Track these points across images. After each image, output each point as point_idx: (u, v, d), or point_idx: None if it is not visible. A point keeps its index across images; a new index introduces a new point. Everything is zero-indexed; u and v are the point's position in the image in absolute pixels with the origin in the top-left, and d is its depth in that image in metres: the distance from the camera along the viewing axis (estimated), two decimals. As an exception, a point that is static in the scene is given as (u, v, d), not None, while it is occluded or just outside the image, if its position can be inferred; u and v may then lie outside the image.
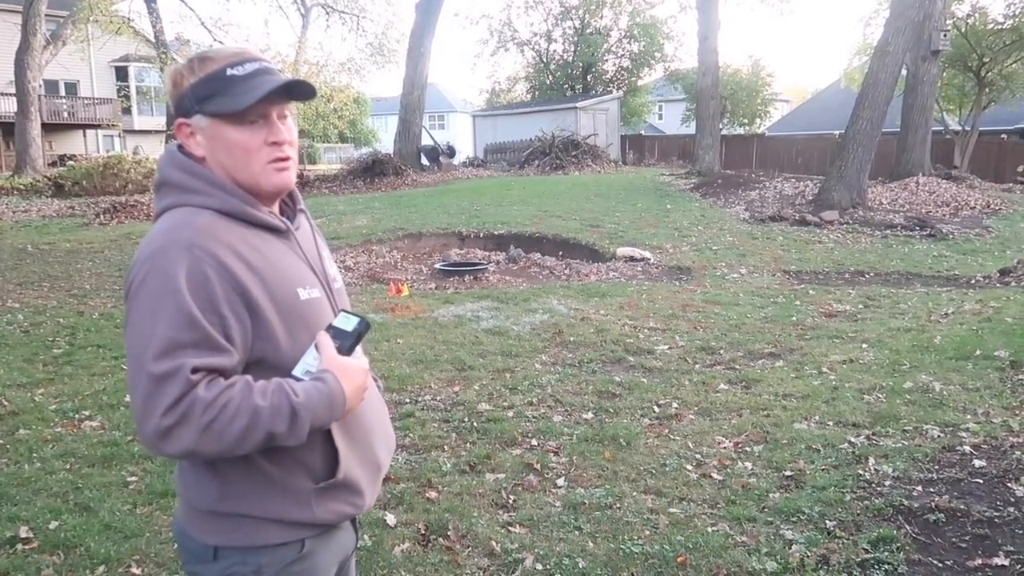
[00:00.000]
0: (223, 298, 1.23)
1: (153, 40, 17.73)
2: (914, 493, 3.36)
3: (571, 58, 33.73)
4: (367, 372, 1.36)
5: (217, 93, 1.29)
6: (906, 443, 3.91)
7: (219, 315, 1.22)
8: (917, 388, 4.75)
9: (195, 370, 1.19)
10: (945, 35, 17.10)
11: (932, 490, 3.37)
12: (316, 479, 1.35)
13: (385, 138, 39.56)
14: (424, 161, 23.96)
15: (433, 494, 3.48)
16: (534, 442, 4.09)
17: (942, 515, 3.12)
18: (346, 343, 1.33)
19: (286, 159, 1.35)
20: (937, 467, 3.62)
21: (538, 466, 3.76)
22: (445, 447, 4.03)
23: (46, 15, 22.67)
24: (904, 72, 16.00)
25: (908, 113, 17.40)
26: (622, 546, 3.02)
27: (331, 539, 1.42)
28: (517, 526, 3.21)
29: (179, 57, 20.92)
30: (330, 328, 1.34)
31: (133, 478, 3.67)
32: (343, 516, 1.41)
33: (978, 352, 5.35)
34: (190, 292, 1.20)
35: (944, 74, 20.44)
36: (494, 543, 3.05)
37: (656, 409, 4.57)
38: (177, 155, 1.37)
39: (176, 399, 1.17)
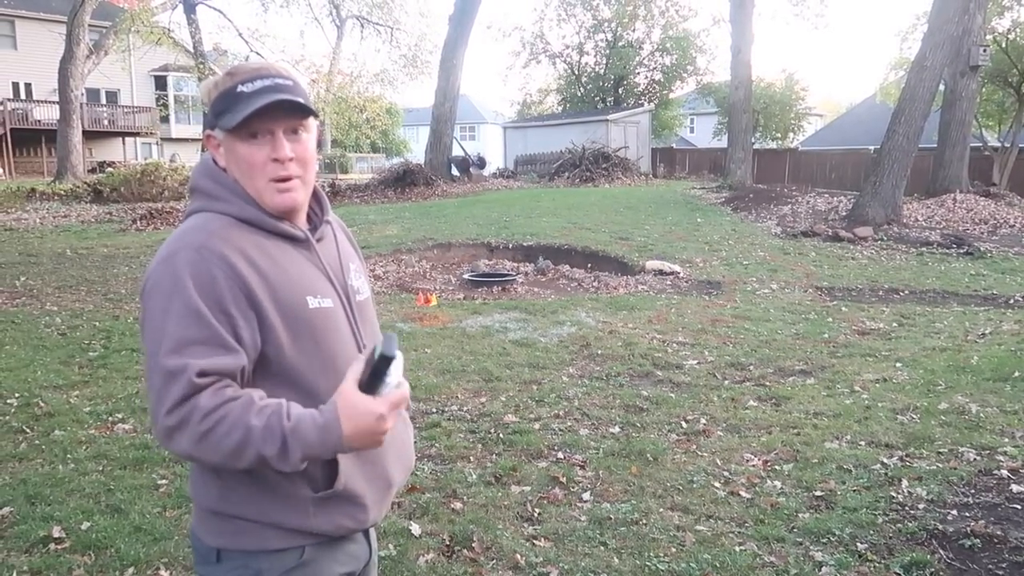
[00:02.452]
0: (230, 298, 1.25)
1: (192, 50, 18.08)
2: (949, 517, 3.28)
3: (603, 71, 33.74)
4: (378, 417, 1.20)
5: (227, 109, 1.33)
6: (941, 465, 3.83)
7: (227, 314, 1.25)
8: (953, 409, 4.65)
9: (202, 373, 1.20)
10: (985, 50, 16.83)
11: (968, 515, 3.30)
12: (316, 488, 1.34)
13: (416, 148, 39.82)
14: (454, 172, 24.09)
15: (458, 505, 3.48)
16: (560, 455, 4.08)
17: (978, 540, 3.05)
18: (368, 375, 1.21)
19: (287, 178, 1.34)
20: (973, 491, 3.54)
21: (564, 479, 3.74)
22: (471, 458, 4.03)
23: (89, 25, 23.28)
24: (942, 87, 15.76)
25: (946, 129, 17.12)
26: (648, 563, 2.99)
27: (337, 549, 1.41)
28: (542, 539, 3.19)
29: (216, 67, 21.33)
30: (373, 350, 1.22)
31: (163, 481, 3.72)
32: (344, 528, 1.39)
33: (1016, 374, 5.23)
34: (197, 291, 1.23)
35: (983, 89, 20.11)
36: (519, 556, 3.04)
37: (684, 424, 4.52)
38: (210, 164, 1.42)
39: (179, 400, 1.19)
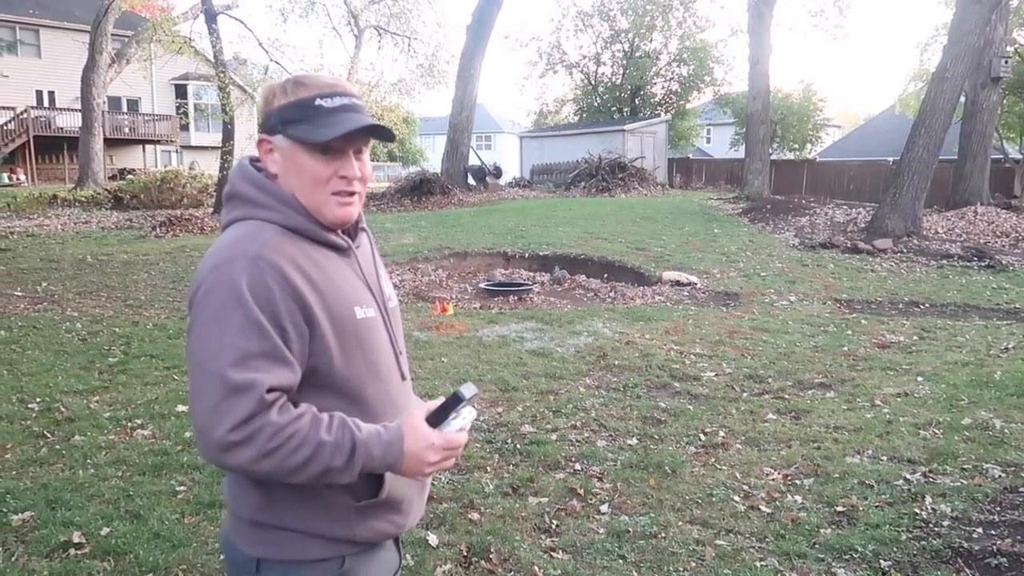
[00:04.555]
0: (285, 311, 1.24)
1: (212, 59, 18.25)
2: (974, 535, 3.23)
3: (620, 81, 33.77)
4: (431, 445, 1.29)
5: (303, 120, 1.31)
6: (965, 482, 3.77)
7: (282, 328, 1.24)
8: (976, 425, 4.58)
9: (271, 389, 1.20)
10: (1006, 62, 16.72)
11: (994, 532, 3.24)
12: (358, 497, 1.35)
13: (433, 157, 39.99)
14: (471, 181, 24.16)
15: (475, 515, 3.47)
16: (577, 466, 4.05)
17: (1004, 560, 2.99)
18: (435, 412, 1.32)
19: (352, 193, 1.36)
20: (999, 508, 3.48)
21: (581, 491, 3.72)
22: (488, 468, 4.02)
23: (112, 34, 23.59)
24: (963, 99, 15.64)
25: (966, 141, 17.00)
26: (667, 577, 2.96)
27: (373, 557, 1.41)
28: (560, 551, 3.17)
29: (236, 76, 21.52)
30: (457, 391, 1.33)
31: (182, 488, 3.73)
32: (383, 535, 1.40)
33: (1041, 389, 5.15)
34: (255, 303, 1.22)
35: (1004, 101, 19.94)
36: (536, 568, 3.02)
37: (702, 437, 4.49)
38: (249, 170, 1.40)
39: (247, 416, 1.18)
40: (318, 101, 1.32)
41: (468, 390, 1.31)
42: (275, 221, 1.33)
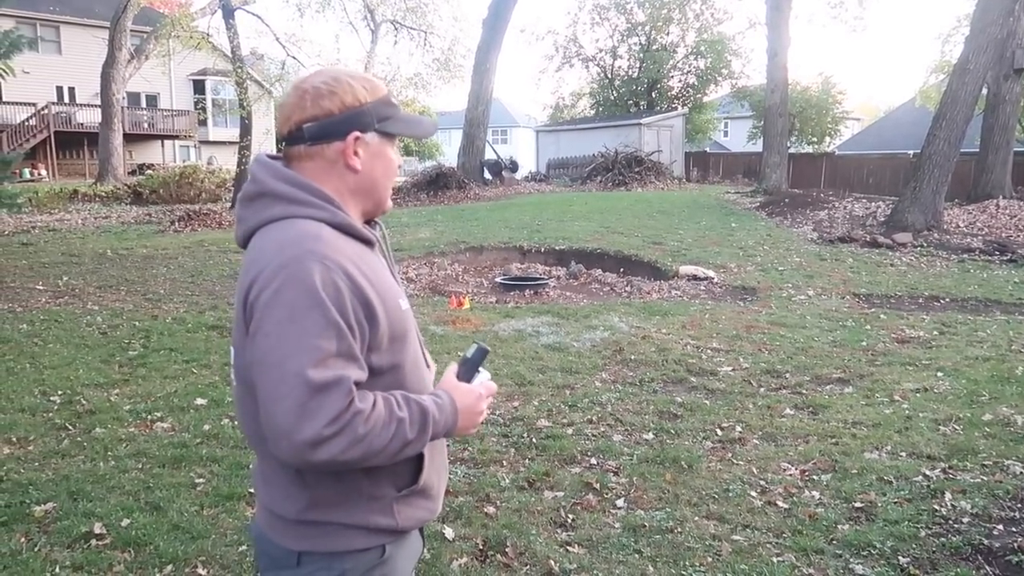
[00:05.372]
0: (351, 311, 1.26)
1: (230, 55, 18.35)
2: (995, 532, 3.20)
3: (636, 74, 33.63)
4: (479, 396, 1.44)
5: (392, 117, 1.42)
6: (985, 479, 3.74)
7: (351, 327, 1.26)
8: (997, 421, 4.53)
9: (357, 383, 1.25)
10: (1030, 53, 16.42)
11: (1015, 530, 3.21)
12: (399, 487, 1.39)
13: (449, 152, 40.02)
14: (487, 175, 24.14)
15: (491, 509, 3.48)
16: (593, 461, 4.05)
17: (1025, 557, 2.96)
18: (463, 370, 1.47)
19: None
20: (1020, 505, 3.44)
21: (597, 485, 3.72)
22: (503, 462, 4.02)
23: (131, 30, 23.77)
24: (985, 91, 15.42)
25: (988, 133, 16.75)
26: (683, 572, 2.96)
27: (407, 544, 1.47)
28: (576, 546, 3.17)
29: (254, 71, 21.62)
30: (461, 360, 1.49)
31: (201, 480, 3.76)
32: (420, 521, 1.46)
33: (1064, 385, 5.08)
34: (333, 304, 1.24)
35: (1028, 93, 19.58)
36: (552, 562, 3.02)
37: (719, 432, 4.47)
38: (277, 167, 1.39)
39: (341, 410, 1.21)
40: (393, 99, 1.44)
41: (484, 346, 1.49)
42: (320, 219, 1.33)
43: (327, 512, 1.35)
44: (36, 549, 3.08)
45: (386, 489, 1.38)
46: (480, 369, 1.48)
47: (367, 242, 1.41)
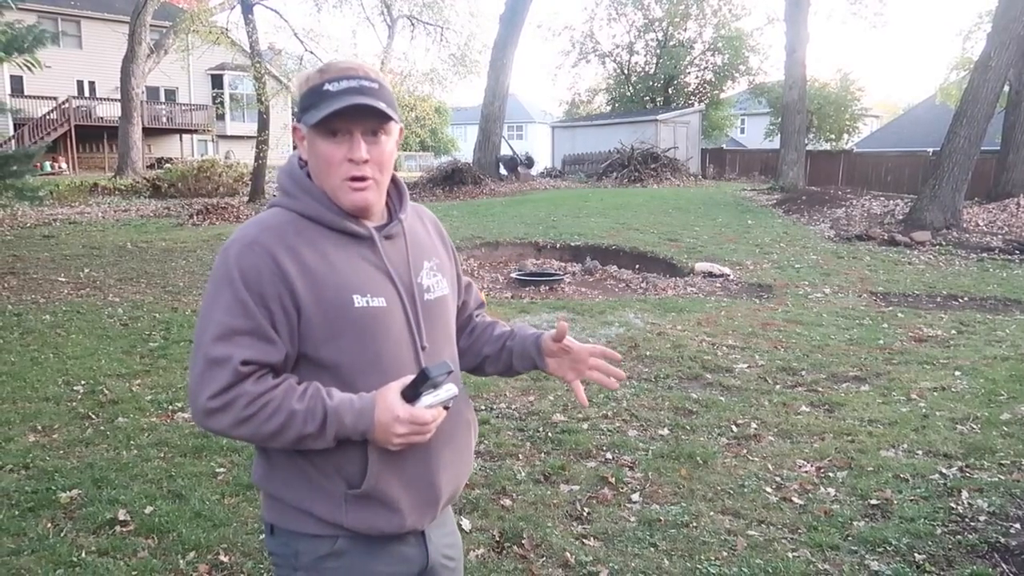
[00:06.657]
0: (272, 293, 1.30)
1: (248, 50, 18.46)
2: (1011, 531, 3.19)
3: (653, 70, 33.49)
4: (397, 419, 1.29)
5: (312, 105, 1.34)
6: (1003, 477, 3.73)
7: (268, 309, 1.30)
8: (1015, 420, 4.51)
9: (246, 362, 1.28)
10: (1053, 50, 16.20)
11: (1031, 529, 3.20)
12: (349, 484, 1.37)
13: (464, 147, 40.08)
14: (502, 171, 24.17)
15: (507, 502, 3.51)
16: (608, 456, 4.07)
17: (1042, 556, 2.96)
18: (408, 387, 1.31)
19: (361, 178, 1.36)
20: (1037, 505, 3.43)
21: (612, 480, 3.74)
22: (519, 456, 4.05)
23: (151, 25, 23.97)
24: (1006, 88, 15.24)
25: (1010, 131, 16.56)
26: (699, 566, 2.97)
27: (379, 548, 1.41)
28: (591, 539, 3.20)
29: (271, 66, 21.74)
30: (425, 368, 1.31)
31: (221, 469, 3.82)
32: (375, 529, 1.38)
33: (1084, 385, 5.04)
34: (244, 283, 1.30)
35: (1050, 90, 19.33)
36: (568, 554, 3.05)
37: (734, 429, 4.48)
38: (292, 162, 1.47)
39: (225, 386, 1.27)
40: (326, 86, 1.34)
41: (438, 369, 1.29)
42: (294, 209, 1.40)
43: (280, 488, 1.40)
44: (62, 534, 3.15)
45: (335, 483, 1.37)
46: (434, 390, 1.31)
47: (349, 234, 1.39)
